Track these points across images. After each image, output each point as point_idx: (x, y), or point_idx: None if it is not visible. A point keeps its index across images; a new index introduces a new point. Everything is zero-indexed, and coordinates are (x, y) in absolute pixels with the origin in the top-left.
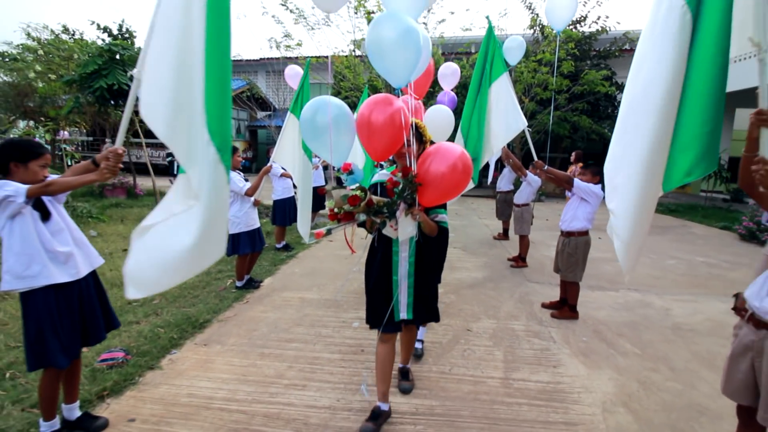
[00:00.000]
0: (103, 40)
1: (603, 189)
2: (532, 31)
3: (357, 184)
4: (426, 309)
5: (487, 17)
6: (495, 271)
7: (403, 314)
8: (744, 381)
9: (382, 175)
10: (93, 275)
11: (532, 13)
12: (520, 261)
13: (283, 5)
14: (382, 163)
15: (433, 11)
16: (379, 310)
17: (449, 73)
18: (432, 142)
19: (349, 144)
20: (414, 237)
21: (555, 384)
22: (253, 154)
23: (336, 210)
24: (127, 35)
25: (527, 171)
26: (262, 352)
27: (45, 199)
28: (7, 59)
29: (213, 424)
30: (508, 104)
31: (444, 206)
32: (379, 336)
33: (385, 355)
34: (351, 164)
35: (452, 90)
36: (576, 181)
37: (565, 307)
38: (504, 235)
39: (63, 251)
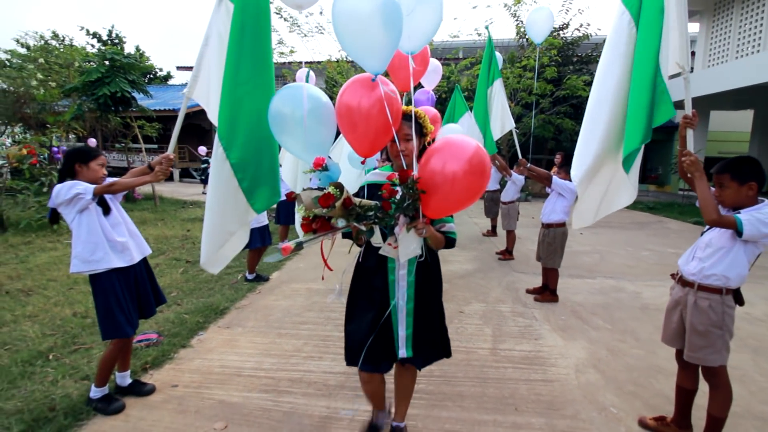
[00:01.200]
0: (93, 45)
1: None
2: (517, 38)
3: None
4: (432, 343)
5: (487, 27)
6: (484, 263)
7: (402, 351)
8: (676, 329)
9: (376, 174)
10: (144, 261)
11: (517, 20)
12: (507, 254)
13: (277, 14)
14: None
15: None
16: (360, 344)
17: (431, 70)
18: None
19: (328, 140)
20: (419, 256)
21: (536, 352)
22: None
23: (309, 216)
24: (116, 41)
25: (512, 171)
26: (279, 332)
27: (106, 197)
28: (5, 66)
29: (246, 386)
30: (499, 106)
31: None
32: (359, 374)
33: (373, 391)
34: (324, 159)
35: (440, 93)
36: (554, 178)
37: (547, 291)
38: (492, 232)
39: (120, 241)
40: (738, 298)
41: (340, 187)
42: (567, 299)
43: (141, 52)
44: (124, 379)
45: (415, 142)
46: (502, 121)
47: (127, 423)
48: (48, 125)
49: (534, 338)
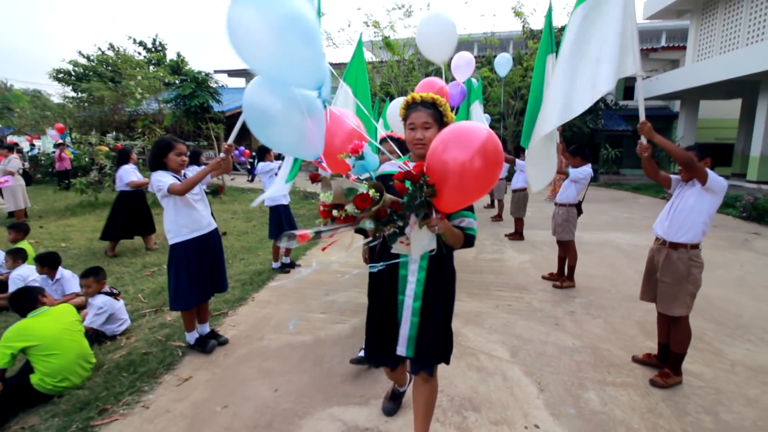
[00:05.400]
0: (139, 53)
1: None
2: (524, 36)
3: (368, 175)
4: (435, 347)
5: (470, 80)
6: (480, 223)
7: (401, 350)
8: (554, 227)
9: (392, 164)
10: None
11: (523, 21)
12: (498, 217)
13: None
14: None
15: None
16: (378, 342)
17: (463, 64)
18: None
19: (320, 133)
20: (432, 250)
21: (500, 257)
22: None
23: (333, 205)
24: (159, 48)
25: None
26: (352, 252)
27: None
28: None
29: (345, 265)
30: (479, 118)
31: (471, 207)
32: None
33: (396, 378)
34: (363, 145)
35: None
36: (517, 160)
37: (516, 234)
38: (491, 205)
39: (284, 193)
40: (579, 210)
41: (380, 190)
42: (530, 239)
43: (182, 57)
44: (287, 259)
45: (435, 130)
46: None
47: (295, 276)
48: (136, 128)
49: (500, 253)
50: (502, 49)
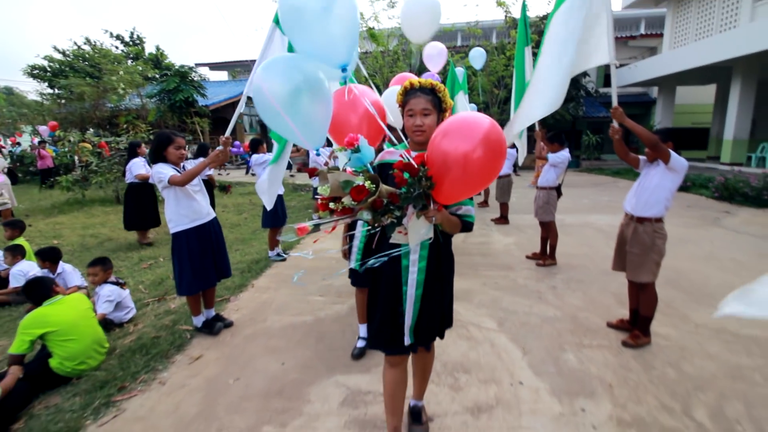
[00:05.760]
0: (117, 47)
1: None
2: (506, 26)
3: (364, 169)
4: (433, 328)
5: (451, 63)
6: None
7: (407, 339)
8: (536, 210)
9: (390, 153)
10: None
11: (506, 12)
12: (484, 203)
13: None
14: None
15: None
16: (384, 328)
17: (435, 54)
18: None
19: (326, 120)
20: (429, 239)
21: (486, 240)
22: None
23: (331, 198)
24: (138, 41)
25: None
26: None
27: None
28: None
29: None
30: (465, 109)
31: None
32: (385, 359)
33: (394, 382)
34: (358, 138)
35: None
36: None
37: (502, 218)
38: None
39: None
40: (558, 192)
41: (376, 182)
42: (515, 223)
43: (161, 51)
44: (280, 250)
45: (433, 117)
46: None
47: (290, 263)
48: (120, 125)
49: (487, 236)
50: (485, 39)
